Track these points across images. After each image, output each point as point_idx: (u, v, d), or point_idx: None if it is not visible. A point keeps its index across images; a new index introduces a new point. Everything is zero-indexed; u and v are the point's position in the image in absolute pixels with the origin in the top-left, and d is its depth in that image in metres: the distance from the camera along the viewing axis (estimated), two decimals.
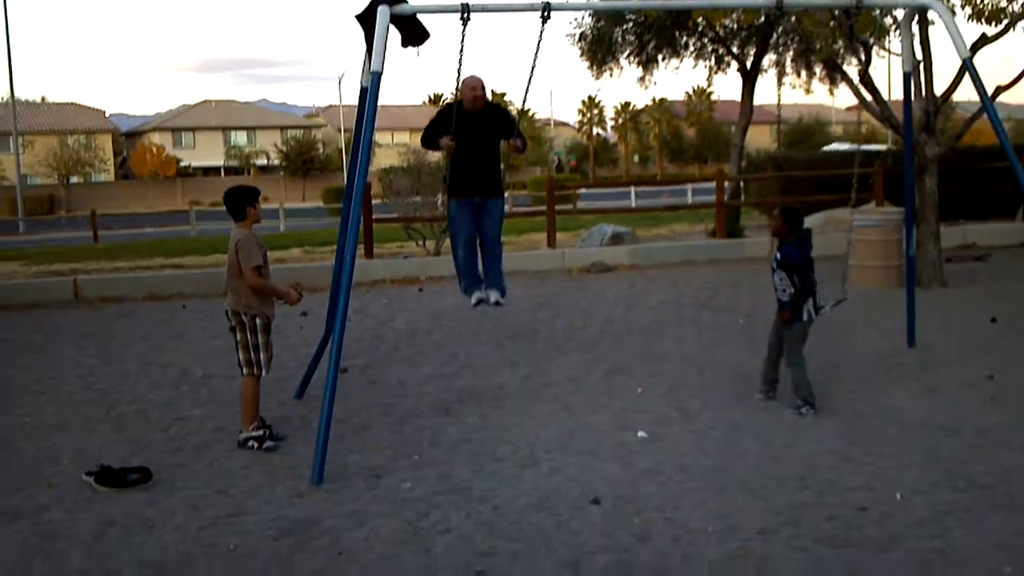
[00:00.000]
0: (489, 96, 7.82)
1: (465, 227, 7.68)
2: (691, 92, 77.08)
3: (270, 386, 6.98)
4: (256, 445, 6.14)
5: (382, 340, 9.68)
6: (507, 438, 6.26)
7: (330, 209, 37.50)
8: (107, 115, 76.63)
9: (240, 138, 75.92)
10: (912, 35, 8.93)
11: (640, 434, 6.25)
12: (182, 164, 69.46)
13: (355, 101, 7.09)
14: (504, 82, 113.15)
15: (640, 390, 7.40)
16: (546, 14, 6.09)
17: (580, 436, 6.27)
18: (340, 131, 64.59)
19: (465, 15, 5.93)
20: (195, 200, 54.19)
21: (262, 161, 71.73)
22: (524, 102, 7.54)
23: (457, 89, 6.97)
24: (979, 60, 10.70)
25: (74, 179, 62.10)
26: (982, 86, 6.95)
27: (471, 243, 7.76)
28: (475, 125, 7.42)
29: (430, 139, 7.55)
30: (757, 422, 6.47)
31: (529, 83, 6.87)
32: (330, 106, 78.05)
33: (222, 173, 70.79)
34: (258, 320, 6.13)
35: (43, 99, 78.73)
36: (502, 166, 7.92)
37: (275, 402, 7.16)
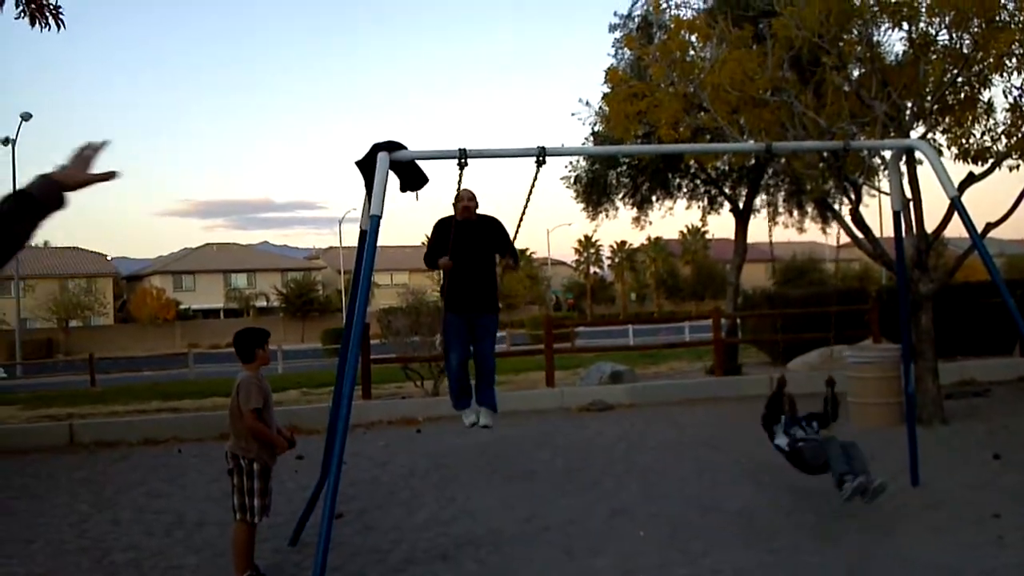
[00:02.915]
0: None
1: (459, 341, 7.79)
2: (686, 231, 78.29)
3: (264, 532, 6.85)
4: None
5: (379, 483, 9.55)
6: None
7: (327, 350, 37.51)
8: (109, 259, 77.52)
9: (240, 280, 76.69)
10: (901, 175, 9.14)
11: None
12: (182, 307, 69.94)
13: (355, 242, 7.20)
14: (505, 220, 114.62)
15: (642, 533, 7.26)
16: (541, 159, 6.22)
17: None
18: (340, 272, 65.25)
19: (462, 160, 6.06)
20: (194, 343, 54.30)
21: (262, 303, 72.22)
22: (516, 232, 7.51)
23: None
24: (968, 197, 10.93)
25: (73, 323, 62.39)
26: (971, 224, 7.05)
27: (464, 357, 7.85)
28: (469, 236, 7.58)
29: (431, 259, 7.79)
30: (762, 564, 6.33)
31: (521, 220, 7.05)
32: (330, 248, 79.07)
33: (222, 315, 71.13)
34: (255, 465, 6.07)
35: (46, 244, 79.73)
36: (497, 282, 8.05)
37: (269, 549, 7.01)
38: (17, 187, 2.12)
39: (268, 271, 77.06)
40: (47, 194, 2.10)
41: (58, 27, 8.60)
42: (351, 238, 73.58)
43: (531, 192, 6.61)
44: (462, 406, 7.94)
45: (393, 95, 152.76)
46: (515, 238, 7.60)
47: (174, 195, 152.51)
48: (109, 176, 2.18)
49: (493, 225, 7.98)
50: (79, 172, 2.13)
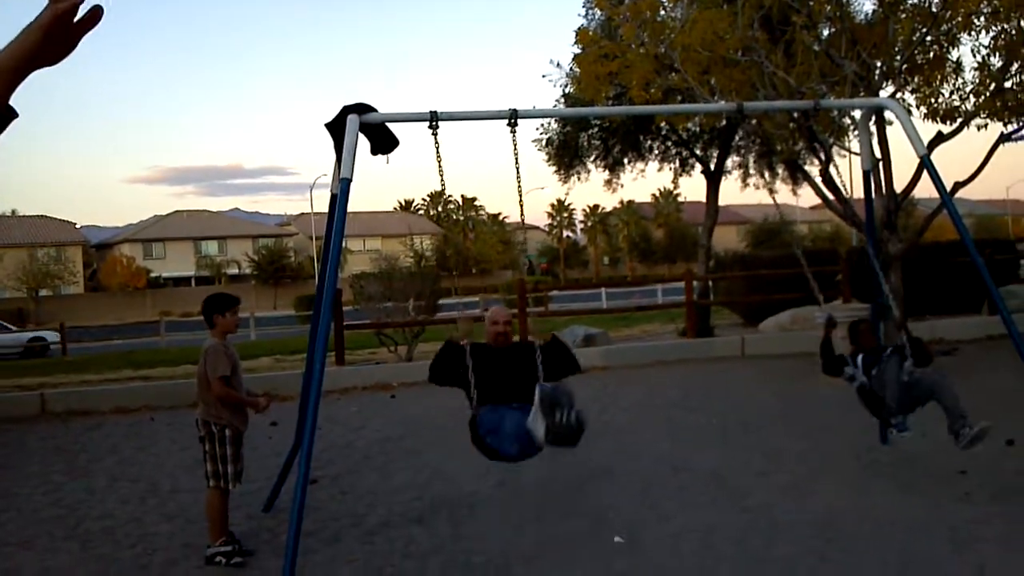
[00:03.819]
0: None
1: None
2: (658, 194, 78.42)
3: (238, 499, 6.84)
4: (224, 560, 5.98)
5: (353, 449, 9.56)
6: (480, 548, 6.14)
7: (301, 317, 37.41)
8: (78, 227, 76.72)
9: (211, 248, 76.14)
10: (871, 134, 9.16)
11: (617, 539, 6.15)
12: (153, 275, 69.42)
13: (327, 208, 7.12)
14: (476, 187, 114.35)
15: (618, 539, 7.31)
16: (513, 121, 6.16)
17: (555, 543, 6.17)
18: (312, 239, 64.95)
19: (433, 123, 6.00)
20: (166, 311, 53.95)
21: (233, 270, 71.80)
22: (522, 220, 6.91)
23: (437, 208, 6.59)
24: (937, 157, 10.99)
25: (43, 292, 61.81)
26: (941, 183, 7.09)
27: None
28: (503, 364, 6.19)
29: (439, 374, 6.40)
30: (733, 524, 6.39)
31: (521, 199, 6.57)
32: (302, 214, 78.67)
33: (193, 283, 70.69)
34: (227, 431, 6.05)
35: (13, 212, 78.82)
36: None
37: (243, 515, 7.01)
38: None
39: (239, 238, 76.53)
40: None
41: None
42: (322, 204, 73.18)
43: (517, 160, 6.34)
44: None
45: (364, 60, 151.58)
46: (522, 219, 6.60)
47: (143, 162, 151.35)
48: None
49: (533, 351, 6.23)
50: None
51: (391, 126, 6.30)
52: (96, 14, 1.70)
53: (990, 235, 54.34)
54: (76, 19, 1.66)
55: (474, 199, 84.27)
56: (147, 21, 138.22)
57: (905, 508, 6.59)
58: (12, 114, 1.74)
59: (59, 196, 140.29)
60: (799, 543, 5.91)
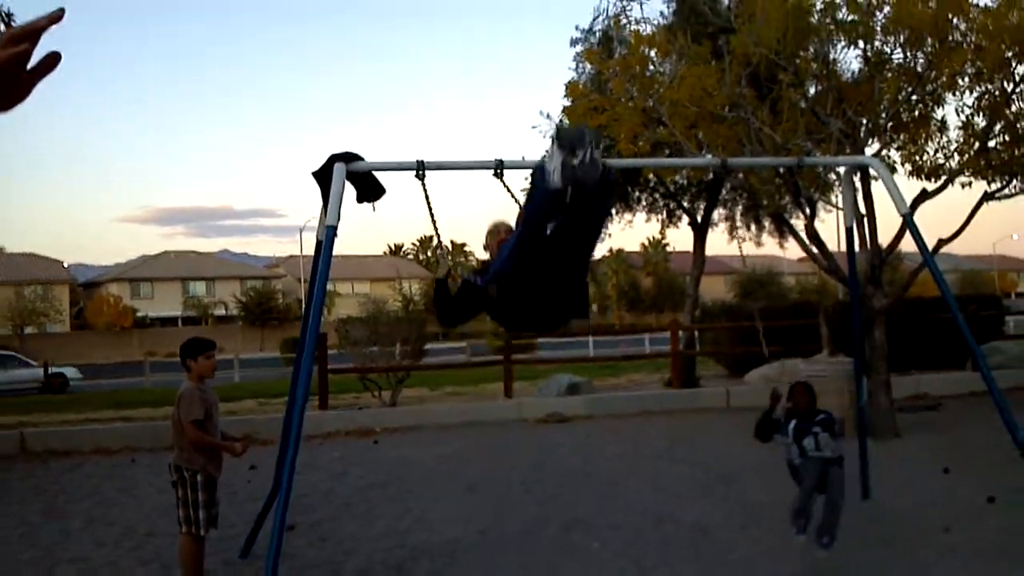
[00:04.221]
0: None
1: None
2: (647, 243, 78.72)
3: (215, 544, 6.79)
4: None
5: (334, 494, 9.50)
6: None
7: (286, 359, 37.23)
8: (66, 265, 76.54)
9: (199, 288, 75.97)
10: (856, 190, 9.25)
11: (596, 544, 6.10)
12: (140, 315, 69.09)
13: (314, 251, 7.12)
14: (465, 232, 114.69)
15: (596, 544, 7.28)
16: (499, 172, 6.19)
17: None
18: (301, 281, 64.85)
19: (420, 172, 6.04)
20: (151, 351, 53.64)
21: (220, 311, 71.60)
22: None
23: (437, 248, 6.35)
24: (922, 212, 11.12)
25: (29, 329, 61.48)
26: (922, 241, 7.17)
27: None
28: None
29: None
30: None
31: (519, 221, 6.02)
32: (291, 256, 78.62)
33: (180, 323, 70.40)
34: (199, 477, 6.00)
35: (1, 249, 78.60)
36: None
37: (219, 561, 6.94)
38: None
39: (227, 279, 76.36)
40: None
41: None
42: (312, 246, 73.35)
43: (516, 199, 6.25)
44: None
45: (354, 107, 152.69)
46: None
47: (133, 201, 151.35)
48: (55, 18, 1.61)
49: None
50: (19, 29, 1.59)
51: (378, 174, 6.34)
52: (52, 61, 1.61)
53: (976, 291, 54.56)
54: (30, 67, 1.59)
55: (463, 244, 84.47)
56: (141, 59, 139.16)
57: (886, 564, 6.58)
58: None
59: (48, 234, 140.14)
60: None
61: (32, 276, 66.85)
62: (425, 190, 6.06)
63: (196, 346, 6.27)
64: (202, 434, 6.03)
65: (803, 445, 6.74)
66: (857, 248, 9.55)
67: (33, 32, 1.56)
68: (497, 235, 6.09)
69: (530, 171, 5.64)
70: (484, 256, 6.37)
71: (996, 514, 7.74)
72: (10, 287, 62.86)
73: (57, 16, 1.59)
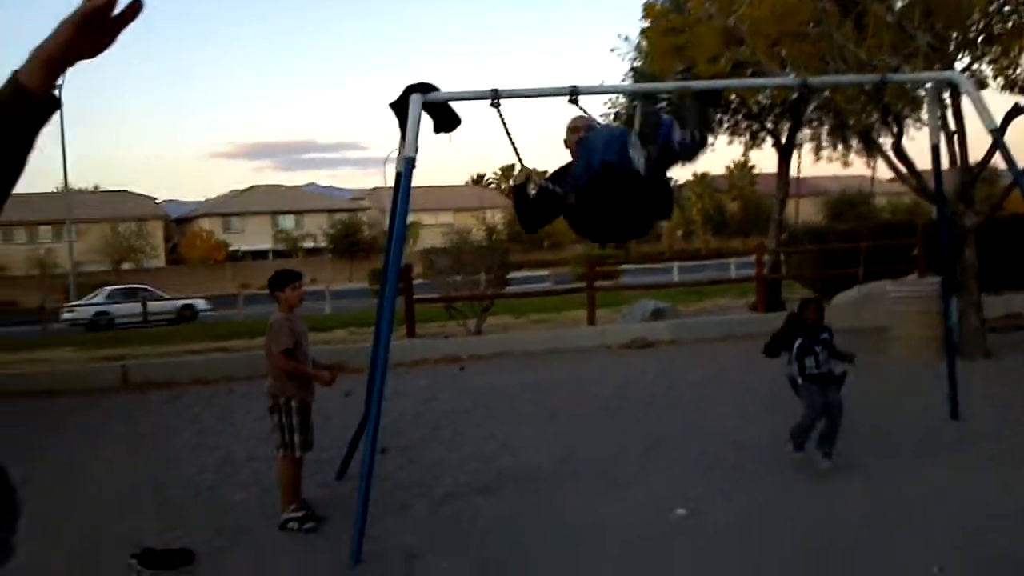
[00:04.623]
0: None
1: None
2: (732, 165, 77.37)
3: (311, 467, 7.06)
4: (296, 526, 6.20)
5: (422, 420, 9.76)
6: (545, 519, 6.26)
7: (374, 290, 37.82)
8: (159, 202, 78.49)
9: (288, 222, 77.32)
10: (945, 106, 8.99)
11: (679, 511, 6.22)
12: (231, 248, 70.70)
13: None
14: (546, 160, 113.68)
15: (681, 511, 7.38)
16: (574, 98, 6.19)
17: (619, 516, 6.26)
18: (385, 213, 65.36)
19: (495, 101, 6.07)
20: (245, 283, 54.93)
21: (309, 244, 72.81)
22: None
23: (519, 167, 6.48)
24: (1016, 128, 10.75)
25: (126, 265, 63.47)
26: (1011, 158, 6.98)
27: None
28: None
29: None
30: (795, 500, 6.42)
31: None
32: (375, 189, 79.33)
33: (270, 257, 71.86)
34: (293, 403, 6.25)
35: (96, 188, 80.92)
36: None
37: (316, 483, 7.22)
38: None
39: (315, 212, 77.52)
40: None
41: None
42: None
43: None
44: None
45: (430, 37, 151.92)
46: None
47: (222, 137, 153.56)
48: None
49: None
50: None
51: (454, 104, 6.39)
52: (135, 7, 1.72)
53: None
54: (115, 13, 1.69)
55: (544, 172, 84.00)
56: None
57: (974, 487, 6.53)
58: (55, 104, 1.75)
59: (140, 171, 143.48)
60: (863, 522, 5.92)
61: (126, 213, 68.82)
62: (502, 118, 6.12)
63: (284, 277, 6.48)
64: (291, 362, 6.26)
65: (804, 363, 7.02)
66: (947, 166, 9.33)
67: None
68: (576, 132, 6.18)
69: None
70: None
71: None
72: (106, 224, 64.84)
73: None
